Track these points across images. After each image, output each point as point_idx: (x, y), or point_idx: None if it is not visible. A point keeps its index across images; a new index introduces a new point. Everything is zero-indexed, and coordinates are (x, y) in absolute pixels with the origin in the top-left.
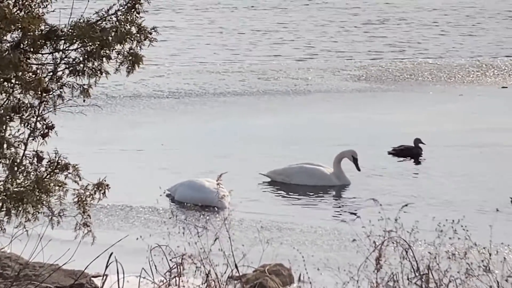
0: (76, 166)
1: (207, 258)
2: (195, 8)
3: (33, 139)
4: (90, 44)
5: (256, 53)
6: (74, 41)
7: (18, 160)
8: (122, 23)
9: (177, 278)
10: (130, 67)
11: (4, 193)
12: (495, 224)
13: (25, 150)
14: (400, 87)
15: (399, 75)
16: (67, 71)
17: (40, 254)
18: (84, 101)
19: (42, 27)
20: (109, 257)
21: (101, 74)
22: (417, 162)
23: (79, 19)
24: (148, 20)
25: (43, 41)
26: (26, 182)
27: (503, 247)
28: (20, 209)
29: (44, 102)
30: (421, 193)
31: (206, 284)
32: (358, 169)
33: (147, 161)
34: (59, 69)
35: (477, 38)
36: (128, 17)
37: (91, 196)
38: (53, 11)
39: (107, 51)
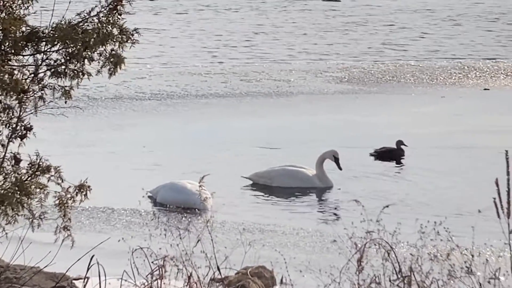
0: (58, 168)
1: (189, 260)
2: (174, 11)
3: (9, 141)
4: (71, 45)
5: (238, 55)
6: (56, 42)
7: None
8: (104, 25)
9: (159, 281)
10: (112, 69)
11: None
12: (477, 225)
13: (5, 152)
14: (382, 89)
15: (381, 77)
16: (48, 73)
17: (21, 257)
18: (65, 102)
19: (23, 29)
20: (91, 260)
21: (83, 76)
22: (399, 164)
23: (61, 21)
24: (127, 23)
25: (24, 42)
26: (6, 185)
27: (486, 249)
28: (0, 211)
29: (23, 103)
30: (403, 194)
31: (188, 286)
32: (340, 168)
33: (129, 163)
34: (40, 71)
35: (458, 40)
36: (110, 19)
37: (72, 199)
38: (35, 12)
39: (89, 53)
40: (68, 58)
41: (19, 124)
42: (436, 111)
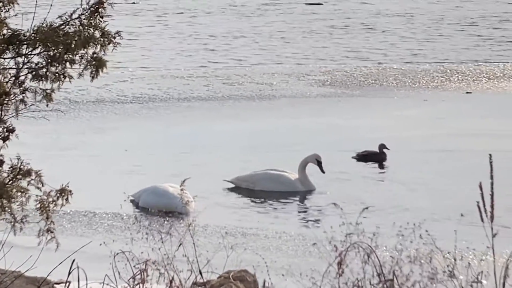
0: (39, 172)
1: (171, 264)
2: (154, 14)
3: None
4: (53, 48)
5: (220, 58)
6: (37, 45)
7: None
8: (86, 27)
9: (140, 285)
10: (93, 72)
11: None
12: (459, 229)
13: None
14: (365, 92)
15: (363, 80)
16: (29, 76)
17: (2, 261)
18: (47, 106)
19: (4, 32)
20: (72, 264)
21: (64, 79)
22: (381, 167)
23: (42, 23)
24: (108, 26)
25: (5, 45)
26: None
27: (468, 252)
28: None
29: (4, 105)
30: (385, 198)
31: None
32: (323, 171)
33: (111, 167)
34: (21, 74)
35: (440, 44)
36: (92, 21)
37: (54, 202)
38: (16, 15)
39: (71, 56)
40: (49, 61)
41: (1, 126)
42: (418, 115)
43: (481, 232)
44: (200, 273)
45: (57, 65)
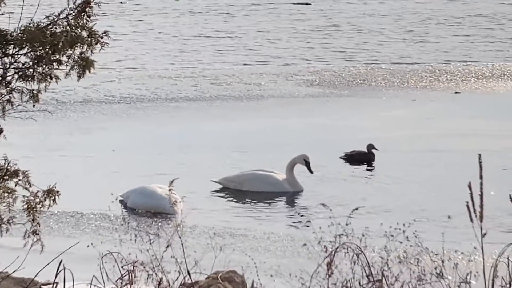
0: (26, 173)
1: (159, 265)
2: (141, 13)
3: None
4: (40, 48)
5: (208, 58)
6: (24, 45)
7: None
8: (73, 27)
9: (128, 286)
10: (80, 72)
11: None
12: (447, 230)
13: None
14: (353, 92)
15: (352, 80)
16: (16, 76)
17: None
18: (33, 106)
19: None
20: (59, 265)
21: (51, 79)
22: (370, 168)
23: (29, 23)
24: (95, 26)
25: None
26: None
27: (456, 254)
28: None
29: None
30: (373, 198)
31: None
32: (311, 172)
33: (98, 167)
34: (8, 74)
35: (428, 43)
36: (79, 21)
37: (41, 203)
38: (2, 14)
39: (57, 56)
40: (36, 61)
41: None
42: (407, 115)
43: (469, 232)
44: (189, 274)
45: (44, 65)
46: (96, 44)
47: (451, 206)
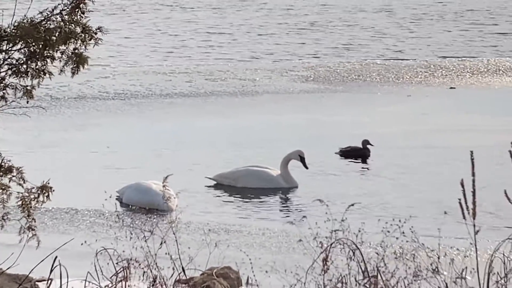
0: (20, 169)
1: (154, 261)
2: (133, 10)
3: None
4: (33, 44)
5: (201, 55)
6: (17, 41)
7: None
8: (67, 23)
9: (123, 282)
10: (74, 68)
11: None
12: (443, 225)
13: None
14: (348, 88)
15: (347, 76)
16: (10, 72)
17: None
18: (27, 102)
19: None
20: (54, 261)
21: (45, 75)
22: (365, 163)
23: (23, 19)
24: (89, 22)
25: None
26: None
27: (452, 249)
28: None
29: None
30: (368, 194)
31: None
32: (306, 167)
33: (93, 164)
34: (2, 70)
35: (423, 39)
36: (73, 17)
37: (35, 199)
38: None
39: (51, 52)
40: (30, 57)
41: None
42: (402, 110)
43: (465, 228)
44: (183, 270)
45: (38, 61)
46: (90, 40)
47: (447, 202)
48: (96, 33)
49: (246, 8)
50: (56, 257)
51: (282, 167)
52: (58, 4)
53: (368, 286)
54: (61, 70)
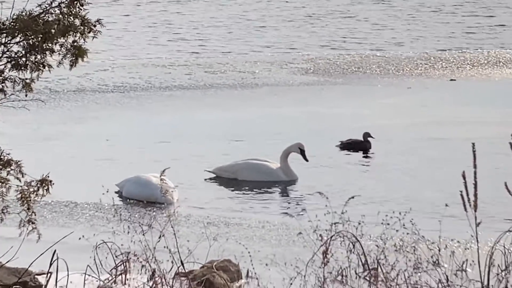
0: (19, 162)
1: (153, 255)
2: (129, 3)
3: None
4: (32, 37)
5: (200, 47)
6: (16, 34)
7: None
8: (66, 16)
9: (123, 275)
10: (73, 61)
11: None
12: (444, 218)
13: None
14: (348, 80)
15: (347, 68)
16: (9, 65)
17: None
18: (26, 95)
19: None
20: (53, 255)
21: (44, 68)
22: (366, 156)
23: (21, 12)
24: (88, 14)
25: None
26: None
27: (452, 242)
28: None
29: None
30: (368, 187)
31: (152, 281)
32: (306, 160)
33: (92, 157)
34: (0, 63)
35: (424, 31)
36: (72, 10)
37: (34, 193)
38: None
39: (50, 45)
40: (29, 50)
41: None
42: (402, 103)
43: (466, 220)
44: (182, 263)
45: (37, 54)
46: (89, 32)
47: (447, 194)
48: (95, 26)
49: (244, 1)
50: (55, 250)
51: (282, 160)
52: None
53: (368, 278)
54: (60, 63)
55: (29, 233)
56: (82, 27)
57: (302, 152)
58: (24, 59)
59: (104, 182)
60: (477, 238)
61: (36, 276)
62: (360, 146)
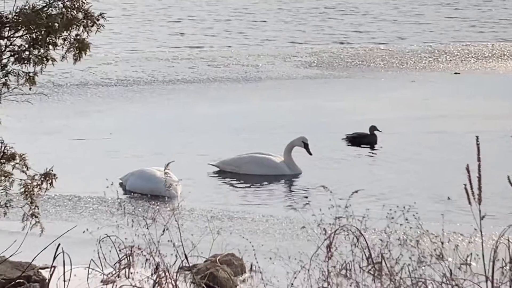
0: (23, 156)
1: (157, 249)
2: None
3: None
4: (36, 31)
5: (202, 41)
6: (19, 28)
7: None
8: (69, 9)
9: (126, 269)
10: (76, 54)
11: None
12: (447, 212)
13: None
14: (352, 74)
15: (350, 61)
16: (12, 59)
17: None
18: (30, 89)
19: None
20: (57, 248)
21: (47, 62)
22: (371, 150)
23: (25, 5)
24: (91, 7)
25: None
26: None
27: (456, 235)
28: None
29: None
30: (372, 180)
31: (156, 275)
32: (310, 153)
33: (95, 151)
34: (4, 57)
35: (427, 24)
36: (75, 3)
37: (38, 187)
38: None
39: (54, 38)
40: (32, 43)
41: None
42: (406, 96)
43: (470, 213)
44: (186, 257)
45: (40, 47)
46: (92, 26)
47: (451, 188)
48: (98, 19)
49: None
50: (59, 244)
51: (285, 154)
52: None
53: (372, 272)
54: (63, 57)
55: (33, 227)
56: (85, 21)
57: (305, 145)
58: (27, 52)
59: (108, 175)
60: (481, 231)
61: (39, 270)
62: (366, 139)
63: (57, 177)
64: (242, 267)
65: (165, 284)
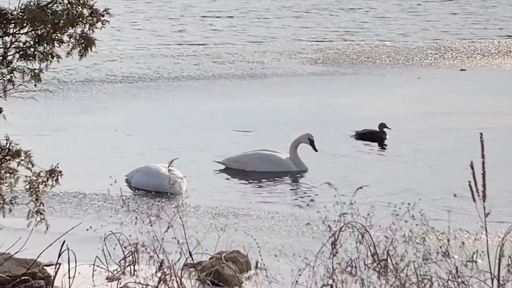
0: (28, 153)
1: (161, 246)
2: None
3: None
4: (41, 27)
5: (207, 38)
6: (25, 24)
7: None
8: (74, 6)
9: (131, 266)
10: (82, 51)
11: None
12: (455, 208)
13: None
14: (358, 70)
15: (356, 58)
16: (17, 56)
17: None
18: (35, 86)
19: None
20: (62, 245)
21: (53, 58)
22: (380, 147)
23: (30, 2)
24: (96, 4)
25: None
26: None
27: (462, 232)
28: None
29: None
30: (378, 177)
31: (160, 272)
32: (315, 150)
33: (100, 147)
34: (9, 54)
35: (433, 21)
36: None
37: (43, 183)
38: None
39: (59, 35)
40: (37, 40)
41: None
42: (412, 93)
43: (475, 211)
44: (190, 254)
45: (45, 44)
46: (97, 22)
47: (457, 185)
48: (103, 15)
49: None
50: (64, 241)
51: (291, 151)
52: None
53: (377, 269)
54: (69, 53)
55: (38, 224)
56: (90, 17)
57: (311, 142)
58: (32, 49)
59: (113, 172)
60: (486, 228)
61: (44, 267)
62: (375, 136)
63: (62, 174)
64: (247, 264)
65: (170, 281)
